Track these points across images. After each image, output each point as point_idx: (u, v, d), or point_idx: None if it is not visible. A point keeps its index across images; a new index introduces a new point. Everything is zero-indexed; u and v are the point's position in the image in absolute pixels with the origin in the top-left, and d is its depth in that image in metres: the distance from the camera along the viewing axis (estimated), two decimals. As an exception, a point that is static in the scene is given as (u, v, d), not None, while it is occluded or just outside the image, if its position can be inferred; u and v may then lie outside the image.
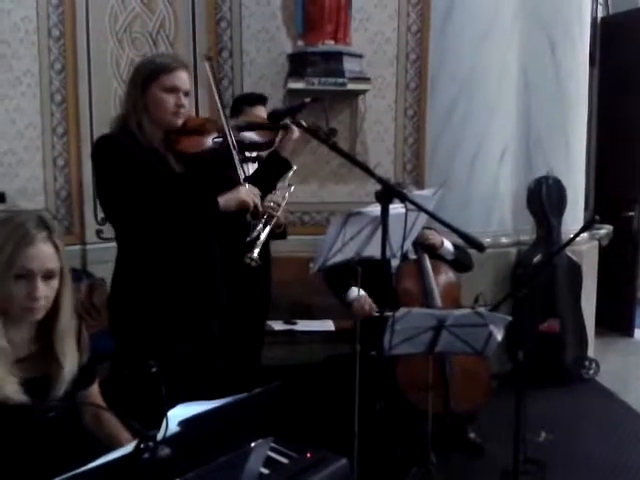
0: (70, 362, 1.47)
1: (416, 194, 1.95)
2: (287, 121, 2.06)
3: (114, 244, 3.65)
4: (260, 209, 2.01)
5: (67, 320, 1.47)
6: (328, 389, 3.30)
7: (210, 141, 2.03)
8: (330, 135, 2.08)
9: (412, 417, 2.81)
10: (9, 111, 3.45)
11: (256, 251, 1.97)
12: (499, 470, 2.64)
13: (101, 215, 3.83)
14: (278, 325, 3.75)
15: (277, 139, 2.13)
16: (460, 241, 1.93)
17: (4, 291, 1.35)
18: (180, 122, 1.99)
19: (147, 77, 1.94)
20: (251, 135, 2.12)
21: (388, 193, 1.78)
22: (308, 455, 1.50)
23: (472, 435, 3.06)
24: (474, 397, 2.90)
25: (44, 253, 1.38)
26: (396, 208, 1.88)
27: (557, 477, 2.75)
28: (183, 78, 1.98)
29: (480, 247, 1.75)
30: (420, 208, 1.79)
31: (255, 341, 3.15)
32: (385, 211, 1.78)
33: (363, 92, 4.18)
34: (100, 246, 3.75)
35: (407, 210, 1.86)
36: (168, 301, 1.96)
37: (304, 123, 2.04)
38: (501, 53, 4.07)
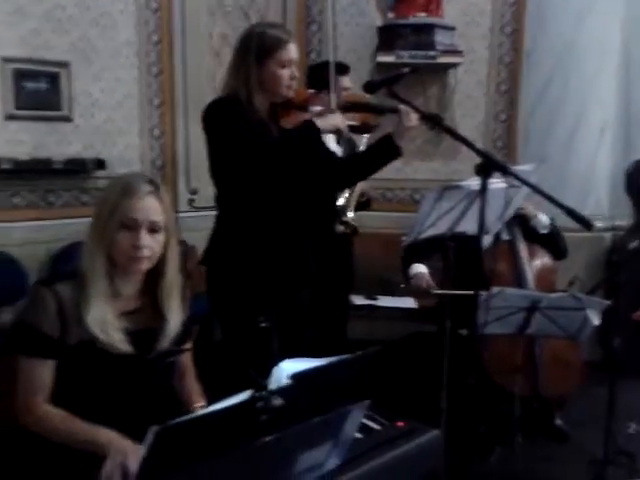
0: (174, 318, 1.52)
1: (517, 169, 1.88)
2: (399, 105, 2.00)
3: (205, 213, 3.80)
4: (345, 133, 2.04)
5: (173, 276, 1.50)
6: (408, 366, 3.30)
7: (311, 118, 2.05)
8: (437, 118, 2.01)
9: (497, 397, 2.77)
10: (109, 81, 3.60)
11: (349, 214, 1.97)
12: (585, 458, 2.56)
13: (193, 184, 3.96)
14: (359, 300, 3.75)
15: (381, 123, 2.10)
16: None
17: (109, 238, 1.41)
18: (291, 93, 2.02)
19: (262, 52, 1.96)
20: (353, 116, 2.10)
21: (489, 166, 1.72)
22: (399, 424, 1.51)
23: (559, 422, 2.98)
24: (563, 383, 2.81)
25: (148, 204, 1.41)
26: (495, 183, 1.83)
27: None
28: (295, 49, 2.01)
29: (587, 224, 1.67)
30: (524, 182, 1.73)
31: (341, 314, 3.18)
32: (484, 185, 1.73)
33: (454, 66, 4.08)
34: (192, 214, 3.86)
35: (508, 185, 1.80)
36: (261, 263, 2.00)
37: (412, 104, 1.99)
38: (603, 27, 3.84)
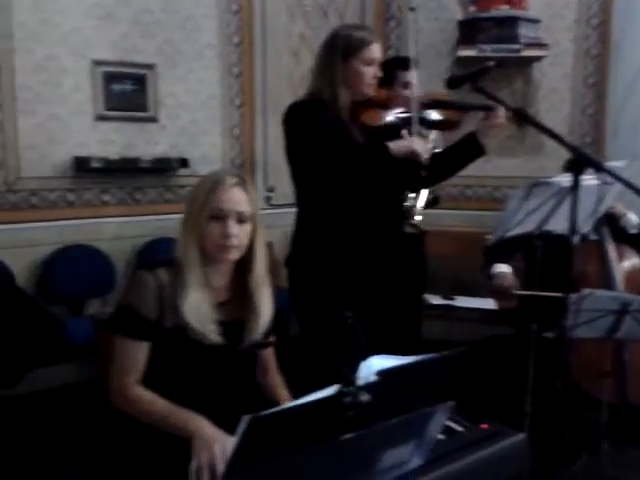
0: (265, 309, 1.55)
1: (609, 165, 1.79)
2: (490, 103, 1.96)
3: (282, 210, 3.87)
4: (425, 163, 1.94)
5: (262, 268, 1.54)
6: (488, 369, 3.22)
7: (393, 116, 2.05)
8: (522, 112, 1.94)
9: (583, 403, 2.66)
10: (193, 83, 3.72)
11: (417, 218, 1.95)
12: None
13: (270, 182, 4.03)
14: (436, 299, 3.69)
15: (463, 120, 2.06)
16: None
17: (200, 230, 1.46)
18: (372, 92, 2.03)
19: (348, 51, 1.99)
20: (435, 113, 2.08)
21: (582, 162, 1.65)
22: (483, 426, 1.48)
23: (645, 429, 2.84)
24: (654, 390, 2.67)
25: (235, 196, 1.46)
26: (587, 179, 1.75)
27: None
28: (379, 49, 2.04)
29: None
30: (618, 179, 1.65)
31: (414, 314, 3.14)
32: (576, 182, 1.67)
33: (538, 59, 3.96)
34: (268, 212, 3.94)
35: (601, 182, 1.72)
36: (343, 262, 2.02)
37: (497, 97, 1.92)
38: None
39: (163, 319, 1.45)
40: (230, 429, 1.32)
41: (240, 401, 1.53)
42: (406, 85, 2.55)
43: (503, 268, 2.87)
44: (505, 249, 2.87)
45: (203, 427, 1.36)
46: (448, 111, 2.11)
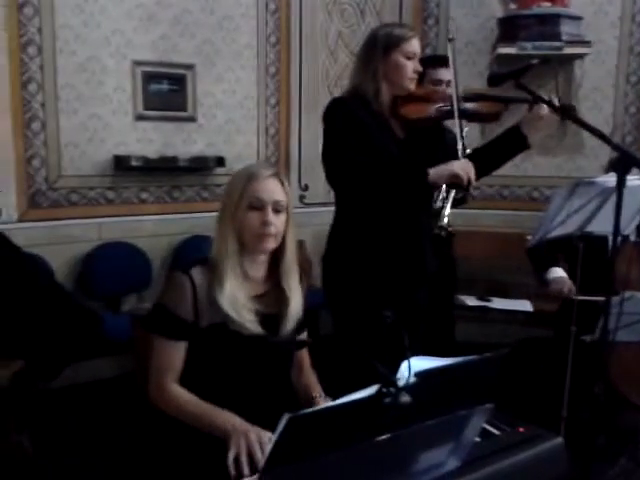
0: (295, 297, 1.57)
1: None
2: (530, 98, 1.94)
3: (315, 209, 3.87)
4: (473, 184, 1.93)
5: (291, 254, 1.56)
6: (526, 372, 3.16)
7: (434, 109, 2.04)
8: (570, 109, 1.90)
9: (620, 408, 2.60)
10: (231, 82, 3.75)
11: (445, 220, 1.92)
12: None
13: (304, 181, 4.04)
14: (471, 301, 3.65)
15: (503, 113, 2.03)
16: None
17: (239, 220, 1.49)
18: (413, 87, 2.04)
19: (389, 45, 2.01)
20: (476, 106, 2.07)
21: (626, 161, 1.61)
22: (520, 429, 1.46)
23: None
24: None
25: (272, 186, 1.50)
26: (633, 179, 1.70)
27: None
28: (418, 45, 2.05)
29: None
30: (666, 179, 1.60)
31: (447, 316, 3.11)
32: (621, 182, 1.62)
33: (581, 56, 3.88)
34: (302, 210, 3.95)
35: (647, 182, 1.67)
36: (380, 263, 2.00)
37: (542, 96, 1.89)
38: None
39: (199, 319, 1.47)
40: (265, 420, 1.36)
41: (276, 393, 1.55)
42: (435, 82, 2.53)
43: (560, 273, 2.80)
44: (549, 252, 2.81)
45: (236, 422, 1.38)
46: (488, 103, 2.09)
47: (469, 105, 2.07)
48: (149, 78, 3.50)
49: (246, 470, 1.28)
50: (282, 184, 1.53)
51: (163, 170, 3.56)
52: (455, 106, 1.99)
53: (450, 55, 2.09)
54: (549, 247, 2.64)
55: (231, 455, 1.30)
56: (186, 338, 1.48)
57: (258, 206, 1.49)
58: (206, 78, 3.66)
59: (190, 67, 3.60)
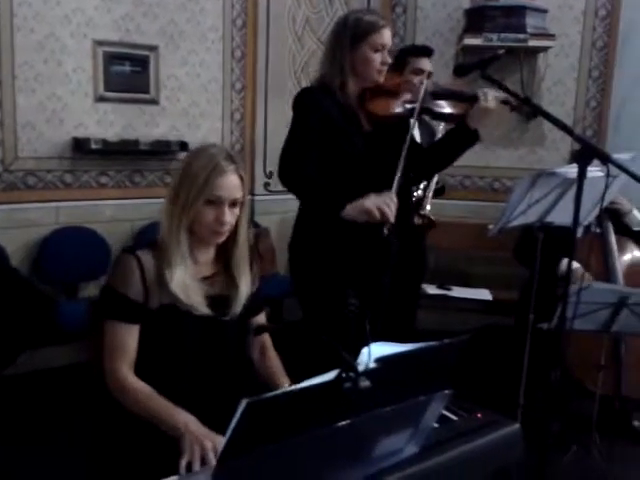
0: (245, 284, 1.57)
1: (616, 157, 1.78)
2: (478, 91, 1.96)
3: (279, 196, 3.84)
4: (391, 220, 1.84)
5: (243, 244, 1.57)
6: (484, 359, 3.22)
7: (400, 105, 2.02)
8: (529, 102, 1.90)
9: (576, 394, 2.67)
10: (195, 65, 3.68)
11: (427, 208, 1.93)
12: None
13: (269, 168, 4.00)
14: (432, 289, 3.70)
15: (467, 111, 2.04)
16: None
17: (195, 213, 1.48)
18: (382, 79, 2.01)
19: (357, 36, 1.96)
20: (444, 105, 2.06)
21: (588, 153, 1.63)
22: (478, 415, 1.47)
23: (637, 423, 2.87)
24: (650, 384, 2.67)
25: (232, 183, 1.48)
26: (593, 171, 1.73)
27: None
28: (389, 35, 2.00)
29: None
30: (626, 171, 1.63)
31: (411, 304, 3.14)
32: (582, 173, 1.65)
33: (545, 50, 3.93)
34: (267, 198, 3.92)
35: (606, 174, 1.70)
36: (344, 247, 2.00)
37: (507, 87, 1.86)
38: None
39: (149, 301, 1.46)
40: (222, 403, 1.35)
41: (231, 373, 1.55)
42: (417, 72, 2.53)
43: (575, 264, 2.80)
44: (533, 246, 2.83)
45: (192, 425, 1.34)
46: (454, 102, 2.09)
47: (436, 103, 2.06)
48: (110, 59, 3.41)
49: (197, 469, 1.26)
50: (241, 178, 1.51)
51: (124, 154, 3.47)
52: (417, 110, 1.98)
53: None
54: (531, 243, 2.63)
55: (184, 462, 1.27)
56: (138, 320, 1.46)
57: (216, 202, 1.47)
58: (169, 60, 3.59)
59: (153, 48, 3.52)
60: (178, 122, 3.66)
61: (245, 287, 1.57)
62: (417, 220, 2.46)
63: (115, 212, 3.50)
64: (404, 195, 2.16)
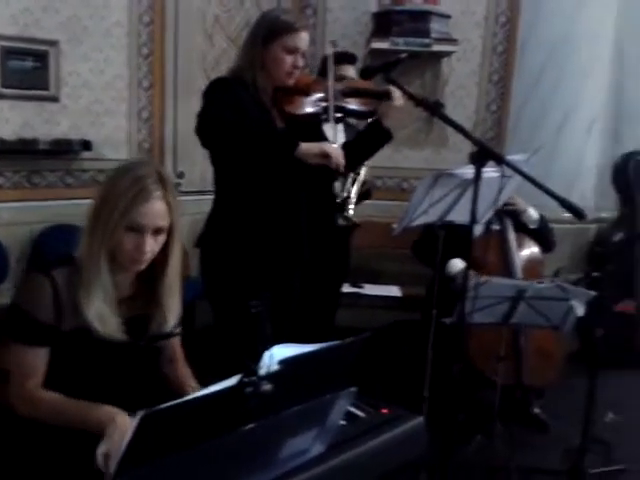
0: (173, 316, 1.53)
1: (510, 158, 1.88)
2: (389, 88, 2.00)
3: (191, 197, 3.77)
4: (341, 170, 1.94)
5: (174, 275, 1.50)
6: (392, 354, 3.31)
7: (313, 103, 2.04)
8: (437, 105, 1.98)
9: (478, 385, 2.79)
10: (99, 62, 3.54)
11: (351, 210, 1.97)
12: (561, 447, 2.60)
13: (180, 168, 3.92)
14: (345, 287, 3.75)
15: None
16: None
17: (114, 238, 1.40)
18: (292, 82, 2.01)
19: (270, 34, 1.95)
20: (354, 102, 2.09)
21: (484, 155, 1.71)
22: (384, 411, 1.51)
23: (537, 411, 3.00)
24: (547, 373, 2.84)
25: (157, 211, 1.40)
26: (489, 172, 1.82)
27: (622, 458, 2.65)
28: (305, 39, 1.99)
29: (580, 214, 1.68)
30: (519, 172, 1.72)
31: (331, 303, 3.18)
32: (478, 173, 1.73)
33: (448, 54, 4.07)
34: (177, 199, 3.83)
35: (501, 174, 1.79)
36: (255, 247, 2.00)
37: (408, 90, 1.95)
38: (597, 20, 3.84)
39: (61, 323, 1.39)
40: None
41: (145, 397, 1.47)
42: (339, 79, 2.55)
43: (460, 264, 2.88)
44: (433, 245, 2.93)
45: (117, 417, 1.31)
46: (364, 99, 2.13)
47: (347, 102, 2.08)
48: (8, 53, 3.21)
49: (112, 468, 1.22)
50: (168, 205, 1.42)
51: (21, 153, 3.28)
52: (331, 110, 2.00)
53: (330, 61, 2.07)
54: (431, 241, 2.72)
55: (101, 449, 1.23)
56: (48, 343, 1.39)
57: (137, 230, 1.39)
58: (71, 56, 3.43)
59: (53, 43, 3.35)
60: (80, 120, 3.50)
61: (173, 319, 1.53)
62: (341, 221, 2.49)
63: (12, 215, 3.30)
64: (326, 196, 2.19)
